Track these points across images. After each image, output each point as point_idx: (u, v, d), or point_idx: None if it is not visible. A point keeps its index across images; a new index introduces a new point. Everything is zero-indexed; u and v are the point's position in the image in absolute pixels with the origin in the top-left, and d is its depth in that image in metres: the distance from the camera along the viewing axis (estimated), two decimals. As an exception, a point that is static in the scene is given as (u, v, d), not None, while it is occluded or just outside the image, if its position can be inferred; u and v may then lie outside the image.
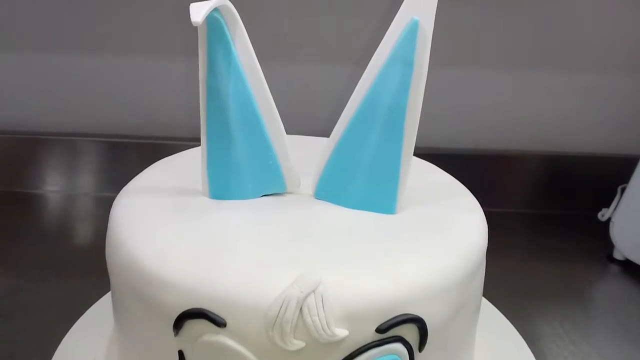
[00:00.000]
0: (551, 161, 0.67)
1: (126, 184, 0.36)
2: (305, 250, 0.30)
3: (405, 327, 0.28)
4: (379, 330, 0.27)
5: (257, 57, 0.32)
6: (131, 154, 0.65)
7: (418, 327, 0.28)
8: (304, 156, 0.34)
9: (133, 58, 0.64)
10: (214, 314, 0.27)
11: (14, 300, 0.48)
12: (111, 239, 0.32)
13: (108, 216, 0.34)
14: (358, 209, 0.33)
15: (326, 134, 0.34)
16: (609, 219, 0.58)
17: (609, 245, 0.58)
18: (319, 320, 0.26)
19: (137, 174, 0.37)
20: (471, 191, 0.37)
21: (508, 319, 0.46)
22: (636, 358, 0.46)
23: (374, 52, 0.31)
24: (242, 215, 0.32)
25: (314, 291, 0.27)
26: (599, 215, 0.59)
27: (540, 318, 0.49)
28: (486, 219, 0.35)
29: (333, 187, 0.34)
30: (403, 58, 0.31)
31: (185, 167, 0.38)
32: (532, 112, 0.66)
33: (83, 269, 0.51)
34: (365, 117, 0.32)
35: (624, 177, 0.58)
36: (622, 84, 0.66)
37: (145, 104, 0.66)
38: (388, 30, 0.31)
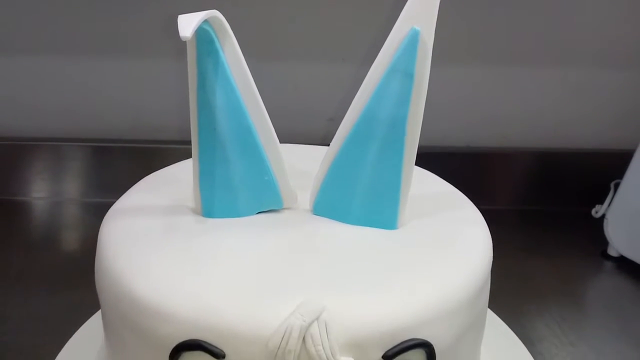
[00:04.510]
0: (544, 157, 0.66)
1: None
2: (306, 274, 0.28)
3: (412, 353, 0.27)
4: (386, 356, 0.26)
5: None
6: (119, 158, 0.63)
7: (426, 352, 0.27)
8: (300, 168, 0.33)
9: (120, 60, 0.62)
10: (211, 345, 0.26)
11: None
12: (100, 265, 0.30)
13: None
14: (358, 224, 0.32)
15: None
16: (603, 215, 0.58)
17: (603, 241, 0.58)
18: (324, 350, 0.25)
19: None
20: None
21: (502, 319, 0.45)
22: (632, 356, 0.46)
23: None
24: (238, 237, 0.31)
25: (317, 319, 0.26)
26: (593, 211, 0.59)
27: (537, 318, 0.49)
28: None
29: (332, 203, 0.32)
30: (403, 69, 0.30)
31: (176, 181, 0.36)
32: (524, 108, 0.66)
33: (72, 281, 0.49)
34: (364, 130, 0.31)
35: (618, 173, 0.57)
36: (615, 79, 0.65)
37: (134, 107, 0.64)
38: (386, 40, 0.30)
